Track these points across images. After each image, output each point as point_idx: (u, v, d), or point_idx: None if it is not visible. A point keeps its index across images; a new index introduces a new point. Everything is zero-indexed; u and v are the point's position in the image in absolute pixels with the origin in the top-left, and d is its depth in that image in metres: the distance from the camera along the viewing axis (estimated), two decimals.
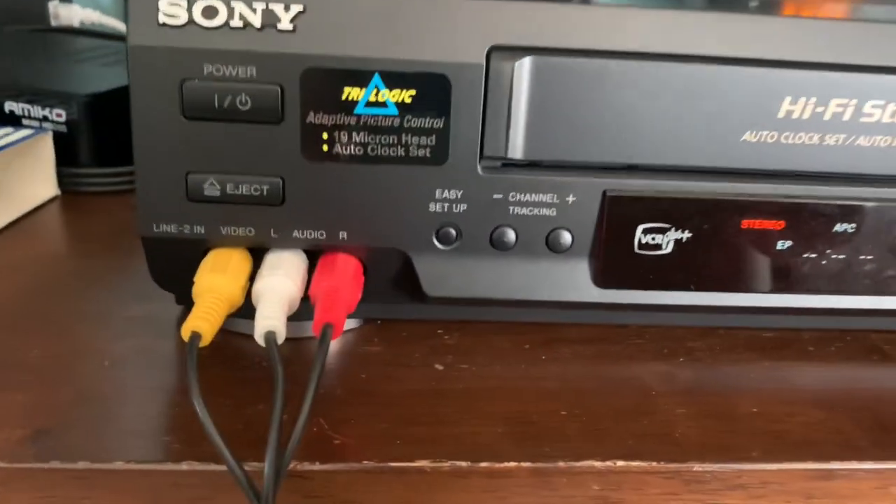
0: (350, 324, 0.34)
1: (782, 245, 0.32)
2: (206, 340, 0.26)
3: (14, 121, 0.48)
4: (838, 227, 0.32)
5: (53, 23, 0.68)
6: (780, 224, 0.31)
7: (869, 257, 0.32)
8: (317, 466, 0.26)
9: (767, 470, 0.28)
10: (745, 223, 0.31)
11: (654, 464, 0.27)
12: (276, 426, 0.24)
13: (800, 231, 0.31)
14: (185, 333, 0.26)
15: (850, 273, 0.32)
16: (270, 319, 0.27)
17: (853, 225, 0.32)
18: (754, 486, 0.28)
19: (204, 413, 0.23)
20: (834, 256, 0.32)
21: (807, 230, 0.31)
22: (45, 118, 0.48)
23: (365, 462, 0.27)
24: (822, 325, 0.36)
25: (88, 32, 0.67)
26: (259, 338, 0.27)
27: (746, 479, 0.28)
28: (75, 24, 0.68)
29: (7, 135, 0.45)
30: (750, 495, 0.28)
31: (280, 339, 0.27)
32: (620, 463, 0.27)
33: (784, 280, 0.32)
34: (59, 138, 0.47)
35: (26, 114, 0.48)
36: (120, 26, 0.66)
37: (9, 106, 0.48)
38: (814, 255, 0.32)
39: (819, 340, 0.35)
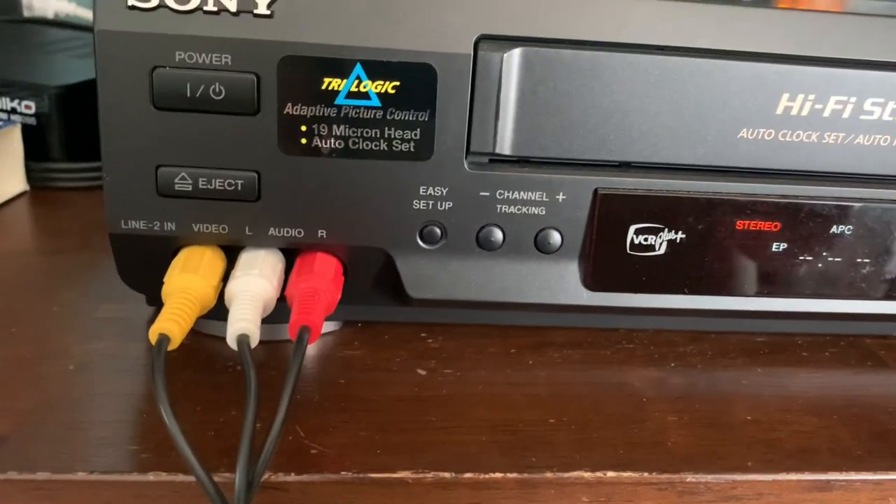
0: (329, 326, 0.34)
1: (778, 247, 0.31)
2: (175, 343, 0.26)
3: None
4: (836, 229, 0.31)
5: (26, 13, 0.68)
6: (776, 225, 0.31)
7: (867, 260, 0.32)
8: (292, 477, 0.26)
9: (763, 481, 0.27)
10: (741, 224, 0.31)
11: (647, 475, 0.27)
12: (248, 434, 0.23)
13: (797, 232, 0.31)
14: (153, 336, 0.26)
15: (848, 276, 0.32)
16: (244, 321, 0.27)
17: (851, 227, 0.31)
18: (749, 497, 0.27)
19: (171, 420, 0.23)
20: (831, 259, 0.32)
21: (804, 231, 0.31)
22: (13, 110, 0.47)
23: (343, 473, 0.26)
24: (816, 329, 0.36)
25: (63, 24, 0.66)
26: (231, 340, 0.27)
27: (741, 491, 0.27)
28: (49, 15, 0.68)
29: None
30: None
31: (254, 342, 0.27)
32: (611, 474, 0.27)
33: (780, 283, 0.32)
34: (28, 131, 0.46)
35: None
36: None
37: None
38: (810, 258, 0.32)
39: (813, 346, 0.35)
